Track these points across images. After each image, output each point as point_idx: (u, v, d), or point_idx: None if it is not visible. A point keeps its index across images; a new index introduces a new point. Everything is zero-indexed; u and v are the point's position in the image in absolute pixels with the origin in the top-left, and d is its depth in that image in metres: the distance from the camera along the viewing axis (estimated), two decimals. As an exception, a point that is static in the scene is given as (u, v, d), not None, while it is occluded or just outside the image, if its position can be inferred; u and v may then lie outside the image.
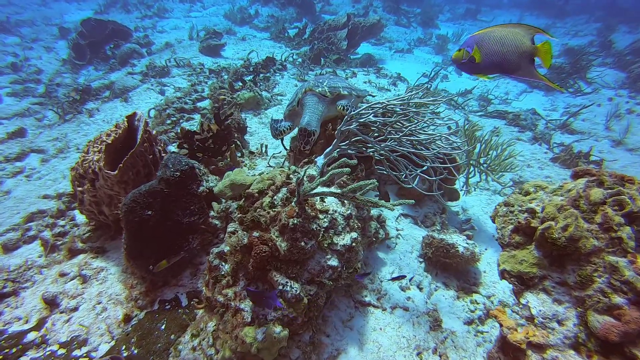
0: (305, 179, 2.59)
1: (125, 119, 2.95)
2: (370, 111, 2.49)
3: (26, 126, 5.90)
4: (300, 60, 7.76)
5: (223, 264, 2.36)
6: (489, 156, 3.84)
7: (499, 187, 4.72)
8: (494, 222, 2.53)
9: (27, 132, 5.74)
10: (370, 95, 3.63)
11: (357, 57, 9.24)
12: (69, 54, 8.99)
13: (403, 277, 2.79)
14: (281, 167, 2.98)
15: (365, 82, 7.14)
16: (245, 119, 5.18)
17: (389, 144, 2.47)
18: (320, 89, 3.08)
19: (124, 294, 2.62)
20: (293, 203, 2.16)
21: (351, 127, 2.50)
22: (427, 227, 3.56)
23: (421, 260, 3.23)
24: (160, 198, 2.36)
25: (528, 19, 17.49)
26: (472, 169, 3.91)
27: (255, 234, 2.15)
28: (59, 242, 3.30)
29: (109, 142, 2.76)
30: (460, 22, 16.53)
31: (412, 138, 2.57)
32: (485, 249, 3.63)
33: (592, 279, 1.90)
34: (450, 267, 3.22)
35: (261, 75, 6.36)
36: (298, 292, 2.11)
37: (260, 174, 2.92)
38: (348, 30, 8.59)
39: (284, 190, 2.32)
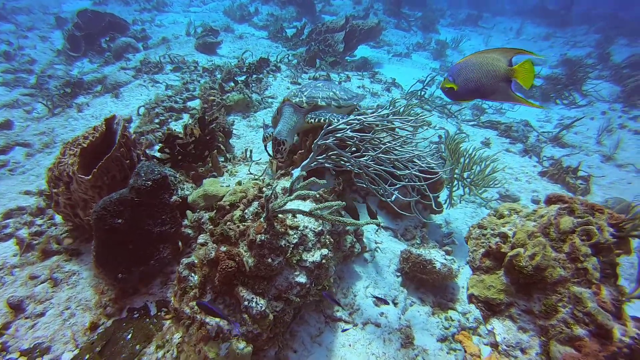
0: (280, 191, 2.57)
1: (104, 122, 2.92)
2: (347, 127, 2.46)
3: (14, 118, 5.84)
4: (295, 61, 7.71)
5: (192, 275, 2.34)
6: (473, 171, 3.82)
7: (487, 197, 4.71)
8: (467, 243, 2.52)
9: (14, 124, 5.69)
10: (356, 107, 3.60)
11: (355, 60, 9.21)
12: (64, 45, 8.90)
13: (386, 302, 2.75)
14: (256, 179, 2.96)
15: (359, 87, 7.11)
16: (234, 121, 5.14)
17: (363, 160, 2.45)
18: (297, 99, 3.10)
19: (94, 299, 2.59)
20: (262, 219, 2.13)
21: (327, 141, 2.48)
22: (407, 240, 3.54)
23: (398, 274, 3.21)
24: (131, 207, 2.33)
25: (529, 27, 17.47)
26: (455, 182, 3.89)
27: (223, 248, 2.12)
28: (34, 242, 3.27)
29: (85, 145, 2.72)
30: (461, 27, 16.50)
31: (389, 156, 2.55)
32: (466, 264, 3.62)
33: (557, 308, 1.90)
34: (427, 283, 3.20)
35: (254, 76, 6.31)
36: (263, 308, 2.09)
37: (237, 183, 2.90)
38: (345, 32, 8.55)
39: (255, 204, 2.30)
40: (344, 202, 1.96)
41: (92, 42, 8.86)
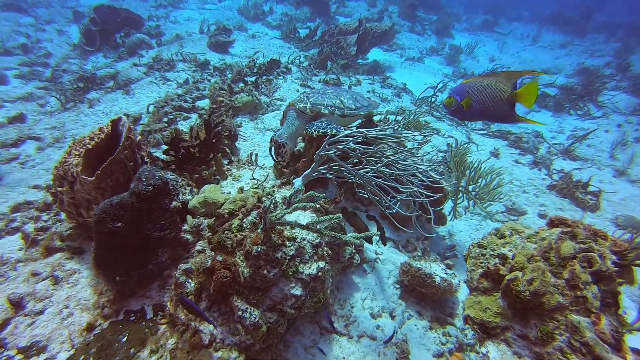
0: (280, 200, 2.57)
1: (110, 124, 2.94)
2: (350, 139, 2.44)
3: (27, 111, 5.94)
4: (306, 63, 7.70)
5: (189, 281, 2.34)
6: (478, 184, 3.78)
7: (491, 211, 4.65)
8: (466, 261, 2.48)
9: (27, 118, 5.78)
10: (371, 114, 3.54)
11: (367, 62, 9.16)
12: (80, 40, 9.03)
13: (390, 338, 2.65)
14: (256, 187, 2.96)
15: (369, 92, 7.07)
16: (241, 123, 5.16)
17: (364, 173, 2.43)
18: (301, 105, 3.12)
19: (92, 299, 2.62)
20: (259, 230, 2.13)
21: (329, 152, 2.46)
22: (408, 252, 3.51)
23: (397, 286, 3.19)
24: (131, 211, 2.35)
25: (545, 35, 17.16)
26: (460, 195, 3.85)
27: (219, 257, 2.13)
28: (39, 237, 3.32)
29: (90, 147, 2.75)
30: (476, 32, 16.31)
31: (391, 171, 2.53)
32: (464, 283, 3.57)
33: (553, 336, 1.86)
34: (427, 297, 3.17)
35: (264, 77, 6.32)
36: (257, 319, 2.09)
37: (239, 189, 2.90)
38: (358, 35, 8.50)
39: (254, 213, 2.30)
40: (340, 215, 1.95)
41: (107, 37, 8.97)
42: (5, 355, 2.21)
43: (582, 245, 1.97)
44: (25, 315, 2.50)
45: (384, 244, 2.85)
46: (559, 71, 12.03)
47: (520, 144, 6.52)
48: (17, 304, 2.54)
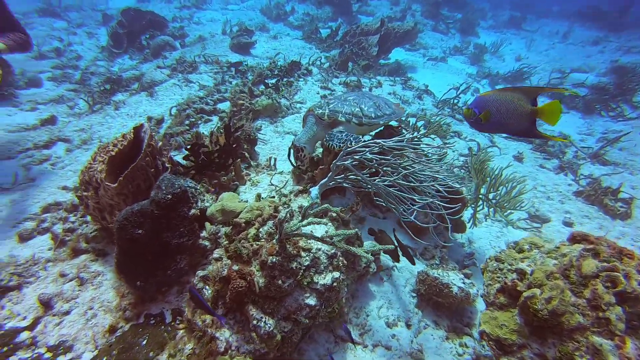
0: (296, 209, 2.59)
1: (132, 131, 3.05)
2: (367, 149, 2.44)
3: (58, 114, 6.20)
4: (327, 64, 7.70)
5: (206, 287, 2.41)
6: (499, 192, 3.69)
7: (512, 218, 4.54)
8: (483, 274, 2.44)
9: (58, 119, 6.03)
10: (377, 125, 3.50)
11: (389, 63, 9.08)
12: (108, 42, 9.34)
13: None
14: (273, 196, 2.99)
15: (389, 94, 7.01)
16: (261, 126, 5.22)
17: (380, 184, 2.43)
18: (320, 111, 3.16)
19: (115, 302, 2.72)
20: (275, 240, 2.16)
21: (346, 162, 2.47)
22: (425, 259, 3.48)
23: (414, 295, 3.17)
24: (151, 218, 2.42)
25: (578, 31, 16.41)
26: (480, 202, 3.77)
27: (235, 267, 2.17)
28: (67, 238, 3.47)
29: (113, 153, 2.85)
30: (502, 30, 15.85)
31: (408, 183, 2.52)
32: (480, 296, 3.51)
33: (573, 357, 1.81)
34: (443, 306, 3.14)
35: (284, 79, 6.37)
36: (271, 328, 2.12)
37: (257, 196, 2.95)
38: (380, 36, 8.43)
39: (270, 223, 2.33)
40: (356, 231, 1.96)
41: (133, 40, 9.24)
42: (36, 353, 2.34)
43: (605, 264, 1.90)
44: (54, 315, 2.62)
45: (397, 260, 2.85)
46: (591, 70, 11.51)
47: (546, 147, 6.33)
48: (46, 304, 2.67)
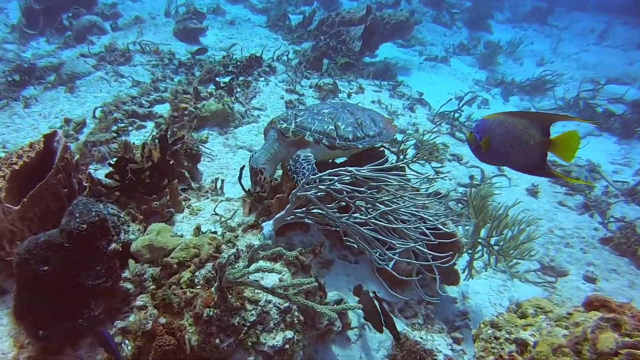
0: (244, 249, 2.76)
1: (43, 140, 3.16)
2: (335, 178, 2.65)
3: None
4: (296, 60, 7.99)
5: (126, 342, 2.51)
6: (503, 235, 3.94)
7: (519, 269, 4.81)
8: (474, 343, 2.63)
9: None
10: (355, 149, 3.67)
11: (375, 62, 9.47)
12: (20, 20, 9.38)
13: None
14: (214, 232, 3.14)
15: (372, 102, 7.33)
16: (208, 137, 5.39)
17: (352, 222, 2.63)
18: (284, 125, 3.32)
19: (11, 353, 2.77)
20: (214, 288, 2.31)
21: (309, 193, 2.67)
22: (406, 318, 3.66)
23: (389, 363, 3.33)
24: (60, 253, 2.52)
25: (619, 30, 16.81)
26: (479, 248, 4.01)
27: (162, 319, 2.30)
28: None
29: (17, 167, 2.96)
30: (522, 25, 16.48)
31: (386, 224, 2.73)
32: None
33: None
34: (426, 379, 3.32)
35: (240, 78, 6.60)
36: (204, 400, 2.24)
37: (195, 228, 3.09)
38: (365, 27, 8.77)
39: (209, 266, 2.49)
40: (314, 280, 2.14)
41: (52, 18, 9.37)
42: None
43: (627, 339, 1.95)
44: None
45: (380, 331, 2.98)
46: (633, 81, 11.84)
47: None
48: None
